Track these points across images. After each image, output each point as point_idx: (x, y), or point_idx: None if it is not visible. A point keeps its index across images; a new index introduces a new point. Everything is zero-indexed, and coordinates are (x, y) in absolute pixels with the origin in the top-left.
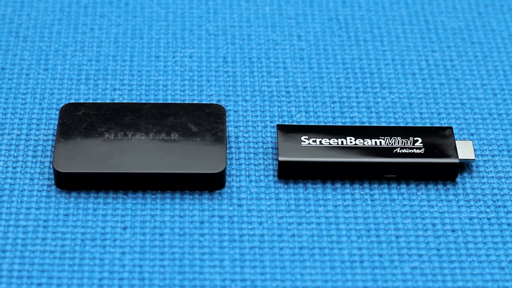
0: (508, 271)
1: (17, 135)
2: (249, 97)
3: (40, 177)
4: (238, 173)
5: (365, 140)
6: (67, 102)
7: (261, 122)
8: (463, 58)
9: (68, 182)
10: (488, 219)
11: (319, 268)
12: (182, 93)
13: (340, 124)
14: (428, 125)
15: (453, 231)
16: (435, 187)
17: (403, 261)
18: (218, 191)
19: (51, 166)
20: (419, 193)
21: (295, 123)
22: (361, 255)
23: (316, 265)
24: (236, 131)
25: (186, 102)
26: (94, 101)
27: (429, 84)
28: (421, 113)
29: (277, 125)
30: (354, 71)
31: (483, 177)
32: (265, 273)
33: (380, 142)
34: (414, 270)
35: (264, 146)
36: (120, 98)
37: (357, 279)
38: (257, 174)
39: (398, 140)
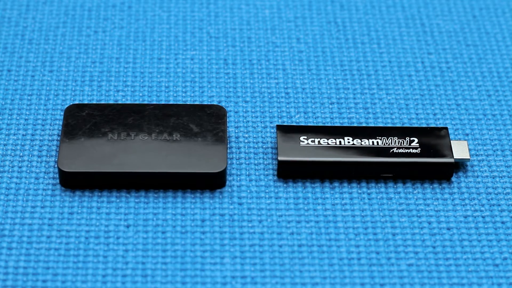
0: (502, 268)
1: (23, 135)
2: (249, 98)
3: (45, 176)
4: (238, 173)
5: (362, 140)
6: (71, 103)
7: (261, 122)
8: (458, 60)
9: (73, 181)
10: (483, 217)
11: (318, 265)
12: (183, 94)
13: (338, 124)
14: (424, 125)
15: (448, 229)
16: (431, 186)
17: (400, 258)
18: (219, 190)
19: (55, 166)
20: (415, 192)
21: (294, 124)
22: (359, 252)
23: (314, 262)
24: (236, 131)
25: (188, 103)
26: (98, 102)
27: (425, 85)
28: (417, 114)
29: (277, 125)
30: (352, 72)
31: (477, 176)
32: (264, 270)
33: (377, 142)
34: (410, 267)
35: (264, 146)
36: (123, 99)
37: (354, 276)
38: (257, 173)
39: (395, 140)
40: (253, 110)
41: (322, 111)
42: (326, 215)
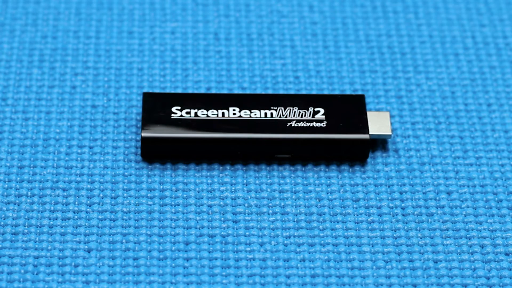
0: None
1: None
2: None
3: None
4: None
5: (252, 111)
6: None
7: None
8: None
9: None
10: (403, 208)
11: (196, 267)
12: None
13: None
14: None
15: (357, 223)
16: (338, 169)
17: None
18: None
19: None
20: (319, 176)
21: (167, 91)
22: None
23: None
24: None
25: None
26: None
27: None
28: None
29: (143, 93)
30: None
31: (400, 157)
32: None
33: (271, 113)
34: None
35: None
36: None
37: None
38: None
39: (294, 111)
40: None
41: None
42: (199, 205)
